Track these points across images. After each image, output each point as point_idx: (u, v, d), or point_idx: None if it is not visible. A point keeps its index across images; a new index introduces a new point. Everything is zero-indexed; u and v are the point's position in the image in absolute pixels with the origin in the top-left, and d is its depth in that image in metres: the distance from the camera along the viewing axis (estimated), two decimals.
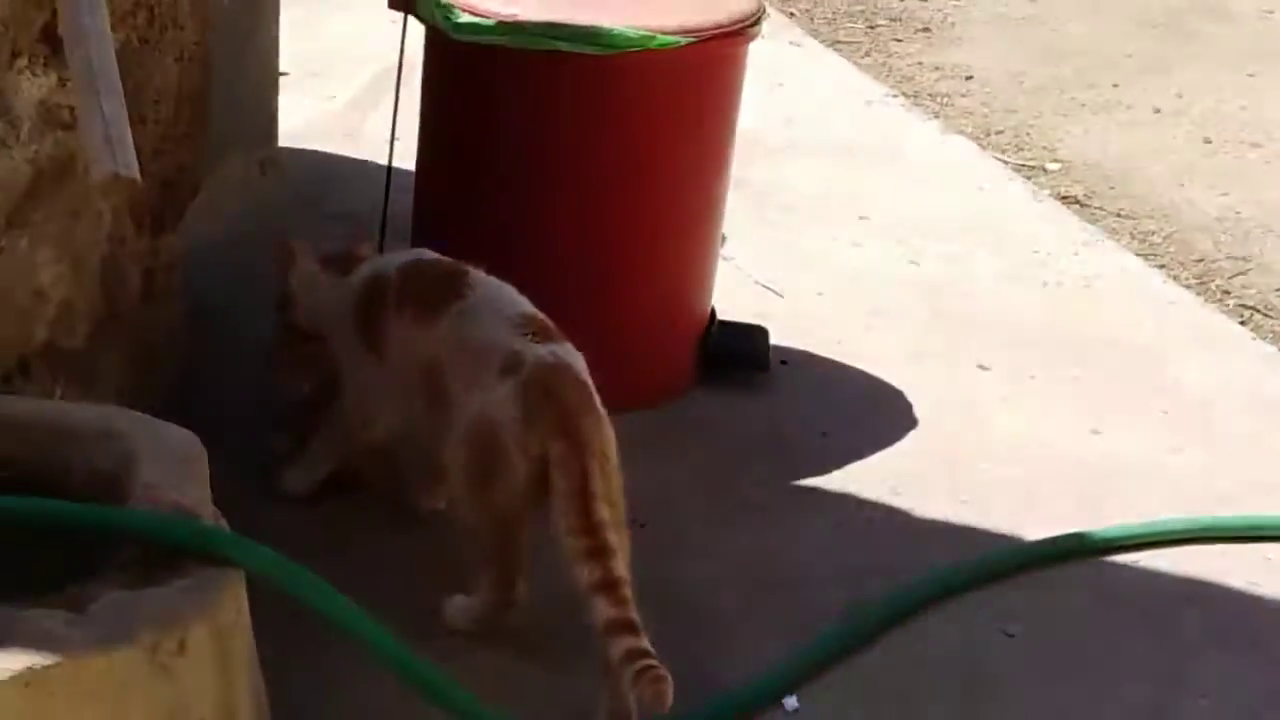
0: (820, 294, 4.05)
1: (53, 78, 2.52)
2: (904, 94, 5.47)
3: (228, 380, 3.42)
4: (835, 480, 3.34)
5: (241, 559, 2.12)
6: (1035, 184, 4.87)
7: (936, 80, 5.67)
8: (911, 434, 3.53)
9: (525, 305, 2.98)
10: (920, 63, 5.83)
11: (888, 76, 5.66)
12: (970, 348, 3.86)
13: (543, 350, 2.87)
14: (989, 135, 5.24)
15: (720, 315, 3.67)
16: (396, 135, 3.53)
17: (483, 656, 2.79)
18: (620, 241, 3.41)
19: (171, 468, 2.20)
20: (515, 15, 3.19)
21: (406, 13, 3.36)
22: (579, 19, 3.19)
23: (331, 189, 4.27)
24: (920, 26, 6.18)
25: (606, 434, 2.83)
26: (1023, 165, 5.02)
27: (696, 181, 3.43)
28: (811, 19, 6.17)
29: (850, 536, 3.18)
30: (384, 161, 3.60)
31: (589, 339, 3.40)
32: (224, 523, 2.22)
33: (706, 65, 3.32)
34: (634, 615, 2.68)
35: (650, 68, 3.24)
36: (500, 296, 2.99)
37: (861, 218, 4.47)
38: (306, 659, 2.58)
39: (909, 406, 3.62)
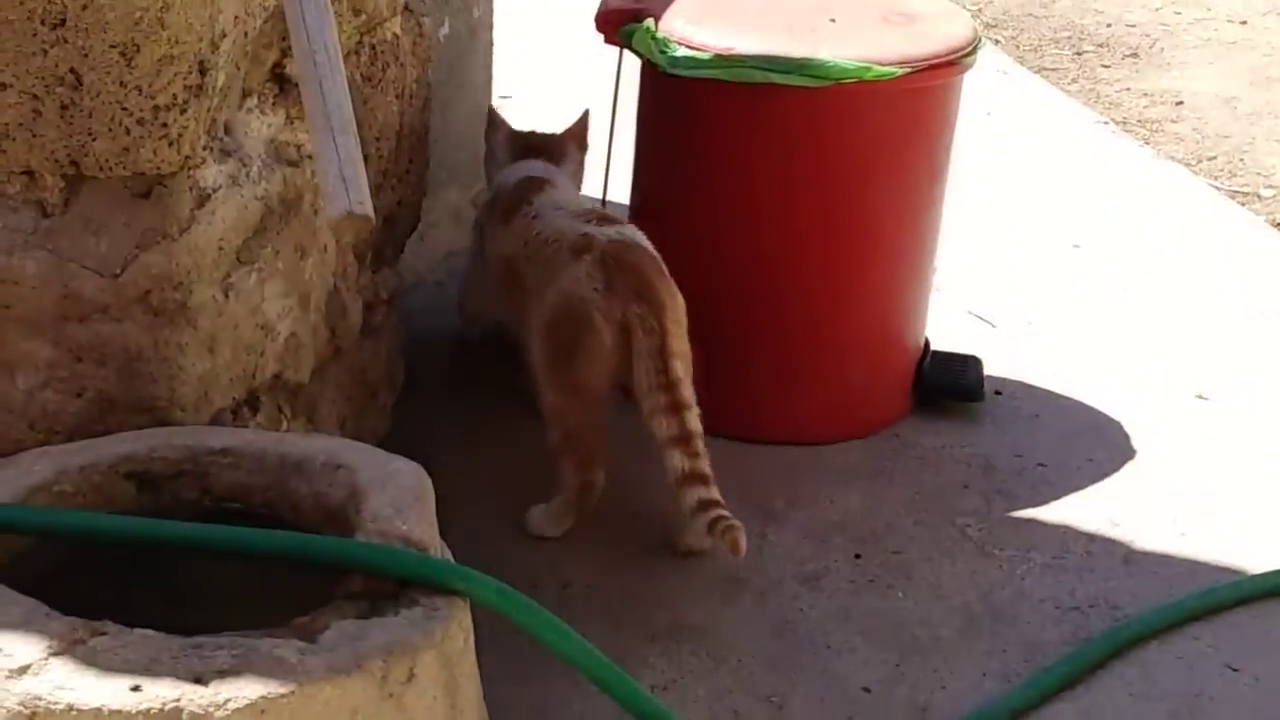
0: (1032, 323, 4.01)
1: (281, 116, 2.58)
2: (1113, 120, 5.41)
3: (439, 412, 3.46)
4: (1053, 511, 3.30)
5: (468, 590, 2.13)
6: (1250, 210, 4.78)
7: (1146, 106, 5.60)
8: (1129, 465, 3.47)
9: (571, 192, 3.37)
10: (1128, 88, 5.76)
11: (1096, 103, 5.59)
12: (1187, 377, 3.80)
13: (609, 230, 3.13)
14: (1200, 161, 5.16)
15: (933, 345, 3.65)
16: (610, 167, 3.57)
17: None
18: (835, 272, 3.40)
19: (398, 500, 2.22)
20: (731, 48, 3.20)
21: (622, 47, 3.38)
22: (794, 51, 3.19)
23: None
24: (1128, 52, 6.11)
25: (679, 301, 3.05)
26: (1236, 192, 4.94)
27: (910, 212, 3.41)
28: (1017, 45, 6.12)
29: (1069, 569, 3.13)
30: (598, 194, 3.63)
31: (804, 368, 3.44)
32: (449, 554, 2.25)
33: (922, 96, 3.30)
34: (707, 468, 2.95)
35: (866, 99, 3.23)
36: (565, 198, 3.31)
37: (1074, 246, 4.42)
38: (521, 679, 2.60)
39: (1126, 437, 3.57)
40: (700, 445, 2.96)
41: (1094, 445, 3.54)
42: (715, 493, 2.93)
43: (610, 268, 3.03)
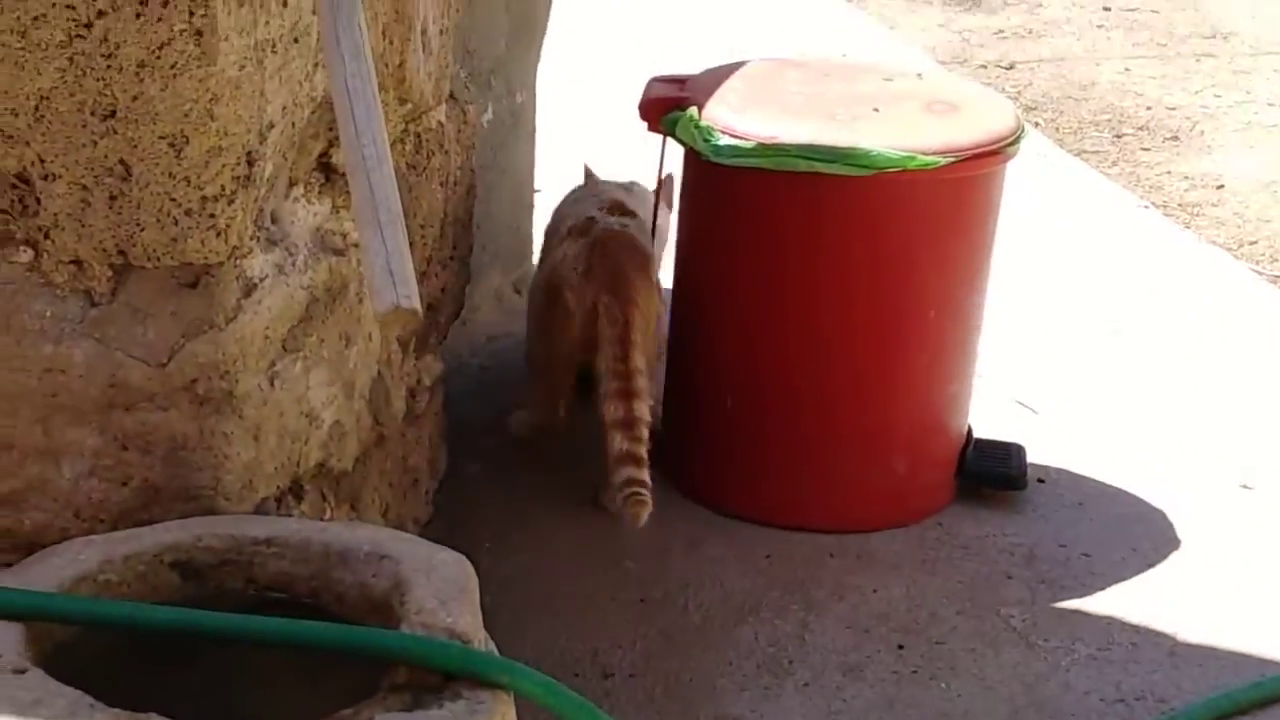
0: (1076, 410, 3.99)
1: (327, 204, 2.59)
2: (1154, 204, 5.39)
3: (481, 498, 3.46)
4: (1098, 602, 3.28)
5: (512, 683, 2.12)
6: None
7: (1187, 190, 5.59)
8: (1174, 555, 3.45)
9: (620, 194, 3.57)
10: (1169, 172, 5.75)
11: (1136, 186, 5.58)
12: (1233, 466, 3.78)
13: (613, 219, 3.40)
14: (1242, 246, 5.15)
15: (976, 433, 3.63)
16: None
17: None
18: (879, 360, 3.40)
19: (443, 591, 2.21)
20: (775, 137, 3.21)
21: (666, 135, 3.39)
22: (838, 140, 3.19)
23: None
24: (1168, 135, 6.10)
25: (652, 298, 3.30)
26: (1277, 277, 4.92)
27: (954, 299, 3.41)
28: (1057, 128, 6.12)
29: (1114, 660, 3.10)
30: None
31: (847, 456, 3.43)
32: (494, 647, 2.24)
33: (965, 184, 3.31)
34: (643, 452, 3.18)
35: (909, 187, 3.23)
36: (602, 189, 3.62)
37: (1115, 332, 4.40)
38: None
39: (1170, 526, 3.55)
40: (643, 431, 3.20)
41: (1138, 535, 3.52)
42: (644, 474, 3.17)
43: (595, 255, 3.32)
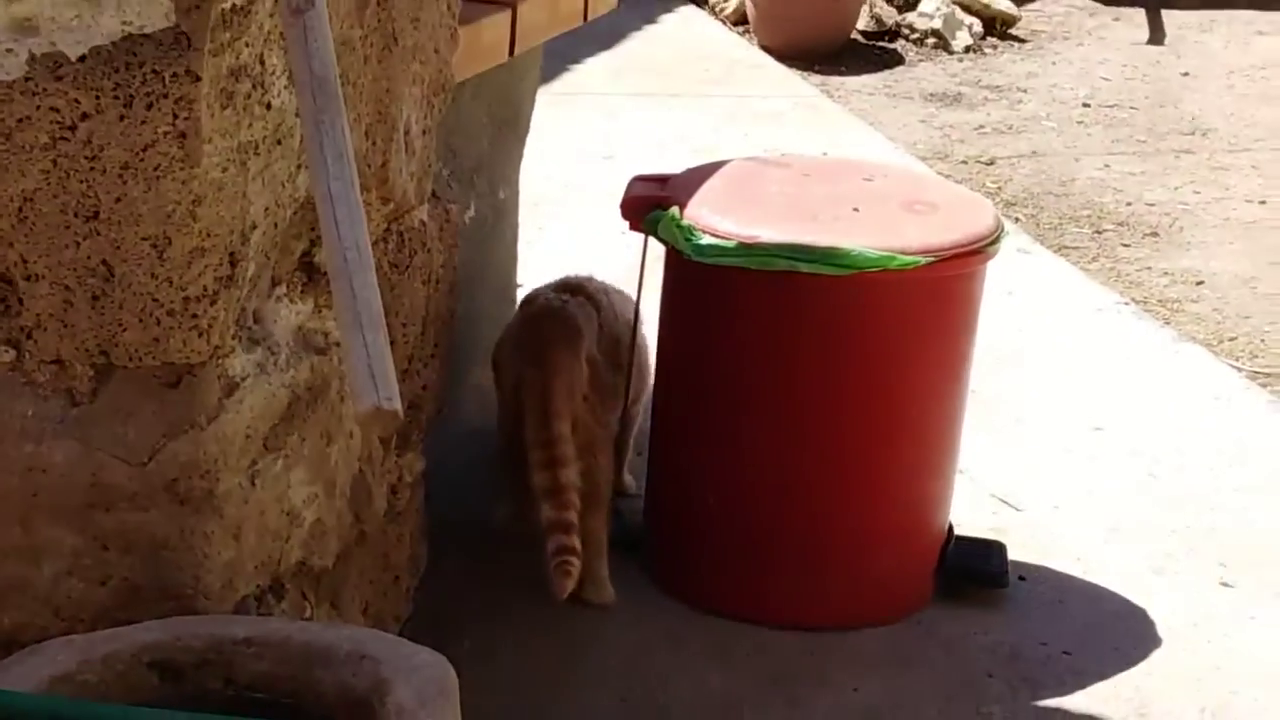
0: (1056, 507, 4.00)
1: (309, 304, 2.60)
2: (1133, 300, 5.42)
3: (462, 595, 3.46)
4: (1078, 701, 3.27)
5: None
6: (1272, 392, 4.78)
7: (1166, 286, 5.62)
8: (1156, 653, 3.45)
9: (577, 278, 3.63)
10: (1149, 268, 5.78)
11: (1116, 282, 5.61)
12: (1213, 564, 3.78)
13: (553, 297, 3.52)
14: (1222, 342, 5.17)
15: (957, 530, 3.64)
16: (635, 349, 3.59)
17: None
18: (860, 459, 3.40)
19: (423, 692, 2.21)
20: (756, 237, 3.23)
21: (647, 234, 3.41)
22: (819, 240, 3.21)
23: None
24: (1148, 231, 6.14)
25: (576, 370, 3.37)
26: (1258, 373, 4.94)
27: (934, 399, 3.42)
28: (1037, 224, 6.16)
29: None
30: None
31: (827, 554, 3.43)
32: None
33: (945, 284, 3.32)
34: (572, 518, 3.28)
35: (889, 287, 3.25)
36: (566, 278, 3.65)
37: (1095, 429, 4.41)
38: None
39: (1152, 624, 3.55)
40: (571, 498, 3.29)
41: (1119, 633, 3.52)
42: (573, 540, 3.27)
43: (527, 330, 3.47)
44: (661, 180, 3.50)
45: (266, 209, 2.38)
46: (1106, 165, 6.85)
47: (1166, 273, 5.72)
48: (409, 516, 3.14)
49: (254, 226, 2.34)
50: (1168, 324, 5.24)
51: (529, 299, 3.59)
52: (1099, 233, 6.11)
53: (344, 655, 2.29)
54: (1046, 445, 4.32)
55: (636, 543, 3.62)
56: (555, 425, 3.30)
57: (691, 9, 8.80)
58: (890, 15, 8.47)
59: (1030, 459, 4.23)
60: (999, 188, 6.53)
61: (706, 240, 3.25)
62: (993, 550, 3.63)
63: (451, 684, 2.26)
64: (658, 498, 3.61)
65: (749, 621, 3.43)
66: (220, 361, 2.34)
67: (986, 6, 8.64)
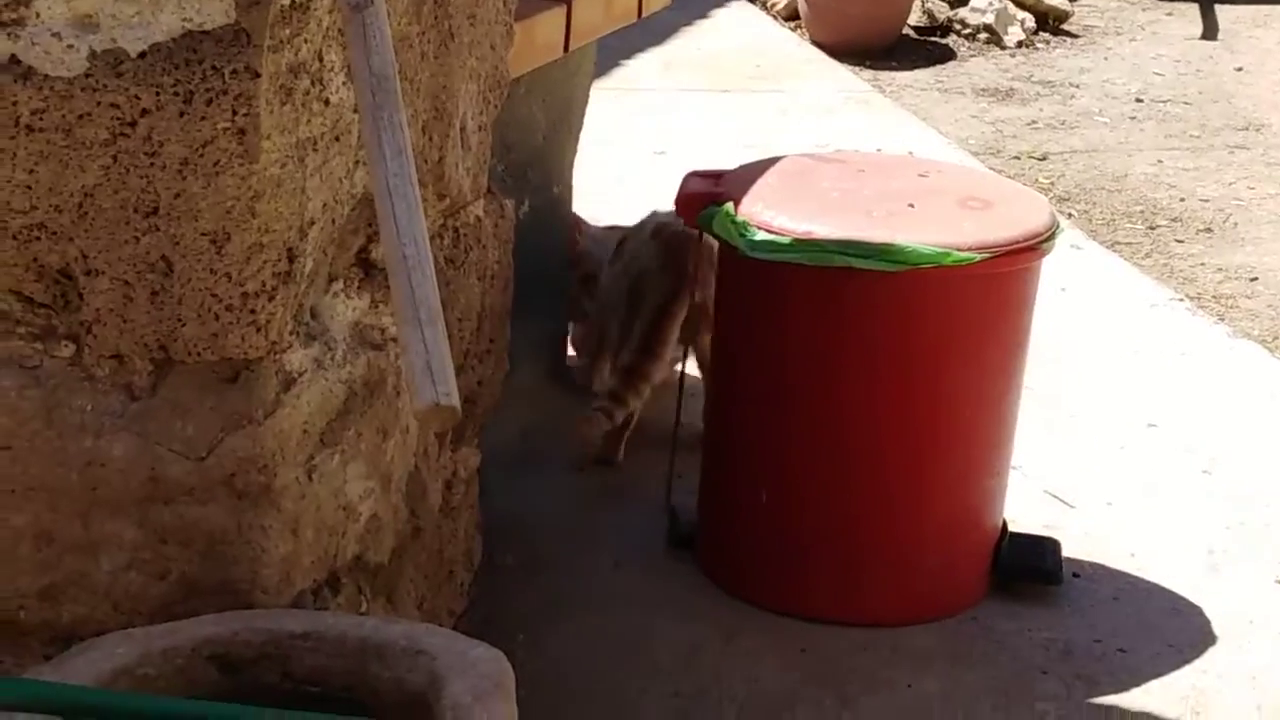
0: (1110, 504, 3.99)
1: (366, 299, 2.60)
2: (1187, 296, 5.39)
3: (516, 590, 3.46)
4: (1134, 698, 3.26)
5: None
6: None
7: (1220, 282, 5.58)
8: (1211, 650, 3.43)
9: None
10: (1203, 264, 5.75)
11: (1170, 278, 5.58)
12: (1270, 560, 3.77)
13: (683, 226, 3.68)
14: (1276, 339, 5.13)
15: (1011, 526, 3.63)
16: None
17: None
18: (913, 455, 3.40)
19: (479, 687, 2.22)
20: (811, 233, 3.22)
21: (702, 230, 3.42)
22: (873, 236, 3.21)
23: None
24: (1202, 226, 6.11)
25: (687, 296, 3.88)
26: None
27: (989, 394, 3.41)
28: (1090, 220, 6.13)
29: None
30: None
31: (881, 551, 3.43)
32: None
33: (1000, 280, 3.31)
34: (631, 399, 3.85)
35: (944, 283, 3.24)
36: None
37: (1150, 425, 4.40)
38: None
39: (1207, 621, 3.53)
40: (642, 387, 3.86)
41: (1174, 630, 3.50)
42: (616, 414, 3.84)
43: (667, 247, 3.95)
44: (716, 176, 3.51)
45: (324, 205, 2.38)
46: (1160, 161, 6.81)
47: (1220, 269, 5.69)
48: (464, 511, 3.15)
49: (312, 222, 2.35)
50: (1221, 320, 5.21)
51: (661, 224, 3.98)
52: (1152, 228, 6.08)
53: (400, 650, 2.30)
54: (1100, 442, 4.30)
55: (690, 539, 3.62)
56: (667, 326, 3.83)
57: (743, 4, 8.80)
58: (942, 10, 8.45)
59: (1084, 455, 4.22)
60: (1051, 183, 6.51)
61: (761, 236, 3.24)
62: (1047, 547, 3.62)
63: (508, 680, 2.26)
64: (711, 494, 3.61)
65: (802, 618, 3.43)
66: (278, 357, 2.35)
67: (1039, 2, 8.61)
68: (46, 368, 2.32)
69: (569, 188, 4.37)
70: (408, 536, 2.85)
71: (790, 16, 8.49)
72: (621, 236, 4.23)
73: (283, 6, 2.19)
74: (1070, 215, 6.09)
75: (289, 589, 2.44)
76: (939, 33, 8.42)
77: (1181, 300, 5.33)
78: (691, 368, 3.88)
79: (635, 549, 3.63)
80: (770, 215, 3.28)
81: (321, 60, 2.31)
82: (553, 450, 3.98)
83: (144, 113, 2.18)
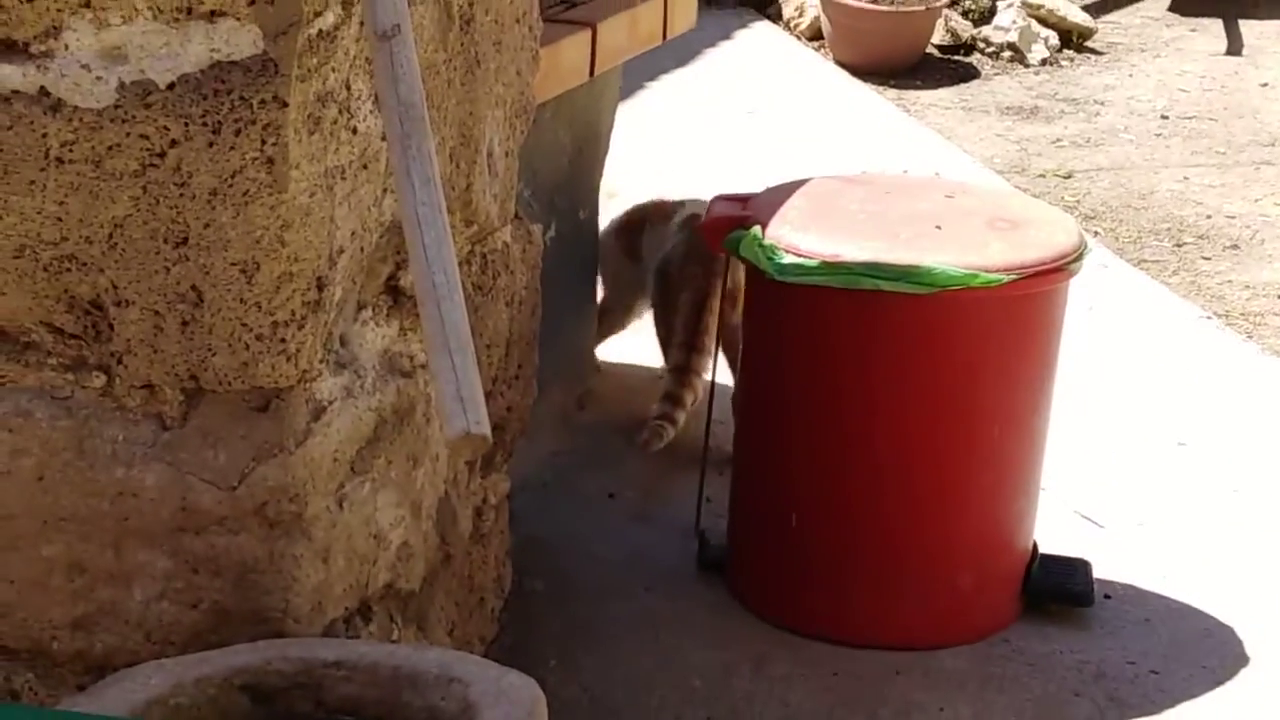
0: (1141, 524, 3.97)
1: (395, 327, 2.61)
2: (1215, 314, 5.37)
3: (546, 616, 3.46)
4: None
5: None
6: None
7: (1248, 299, 5.56)
8: (1244, 671, 3.41)
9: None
10: (1230, 281, 5.73)
11: (1197, 296, 5.56)
12: None
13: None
14: None
15: (1041, 548, 3.61)
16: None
17: None
18: (943, 477, 3.39)
19: (512, 715, 2.22)
20: (838, 255, 3.22)
21: (729, 254, 3.41)
22: (901, 258, 3.20)
23: None
24: (1229, 243, 6.09)
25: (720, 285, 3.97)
26: None
27: (1018, 415, 3.40)
28: (1116, 238, 6.12)
29: None
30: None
31: (912, 573, 3.42)
32: None
33: (1028, 302, 3.30)
34: (686, 395, 3.97)
35: (972, 305, 3.23)
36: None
37: (1179, 444, 4.38)
38: None
39: (1240, 643, 3.51)
40: (694, 380, 3.98)
41: (1207, 651, 3.48)
42: (677, 413, 3.96)
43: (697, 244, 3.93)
44: (743, 200, 3.50)
45: (353, 233, 2.39)
46: (1185, 178, 6.80)
47: (1248, 286, 5.67)
48: (494, 538, 3.15)
49: (341, 250, 2.35)
50: (1250, 338, 5.19)
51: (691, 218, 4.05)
52: (1179, 246, 6.06)
53: (433, 678, 2.30)
54: (1130, 461, 4.29)
55: (720, 563, 3.62)
56: (706, 318, 3.92)
57: (766, 25, 8.80)
58: (966, 29, 8.44)
59: (1114, 475, 4.20)
60: (1077, 201, 6.50)
61: (789, 259, 3.24)
62: (1078, 568, 3.60)
63: (540, 707, 2.26)
64: (741, 517, 3.60)
65: (832, 641, 3.42)
66: (308, 385, 2.35)
67: (1063, 19, 8.60)
68: (78, 398, 2.32)
69: (595, 211, 4.38)
70: (438, 564, 2.85)
71: (814, 37, 8.49)
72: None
73: (310, 36, 2.20)
74: (1096, 233, 6.07)
75: (321, 618, 2.45)
76: (963, 51, 8.41)
77: (1209, 318, 5.32)
78: (720, 377, 3.86)
79: (665, 573, 3.63)
80: (798, 238, 3.28)
81: (349, 89, 2.32)
82: (582, 475, 3.98)
83: (173, 143, 2.19)
